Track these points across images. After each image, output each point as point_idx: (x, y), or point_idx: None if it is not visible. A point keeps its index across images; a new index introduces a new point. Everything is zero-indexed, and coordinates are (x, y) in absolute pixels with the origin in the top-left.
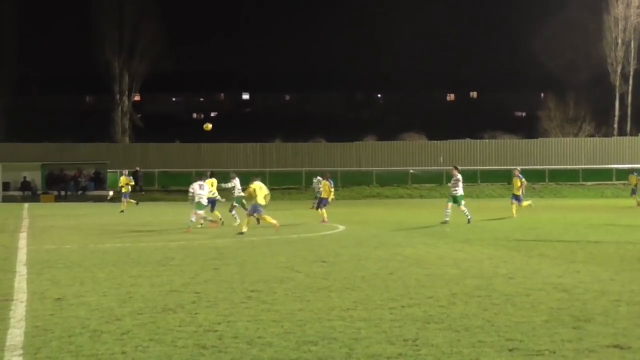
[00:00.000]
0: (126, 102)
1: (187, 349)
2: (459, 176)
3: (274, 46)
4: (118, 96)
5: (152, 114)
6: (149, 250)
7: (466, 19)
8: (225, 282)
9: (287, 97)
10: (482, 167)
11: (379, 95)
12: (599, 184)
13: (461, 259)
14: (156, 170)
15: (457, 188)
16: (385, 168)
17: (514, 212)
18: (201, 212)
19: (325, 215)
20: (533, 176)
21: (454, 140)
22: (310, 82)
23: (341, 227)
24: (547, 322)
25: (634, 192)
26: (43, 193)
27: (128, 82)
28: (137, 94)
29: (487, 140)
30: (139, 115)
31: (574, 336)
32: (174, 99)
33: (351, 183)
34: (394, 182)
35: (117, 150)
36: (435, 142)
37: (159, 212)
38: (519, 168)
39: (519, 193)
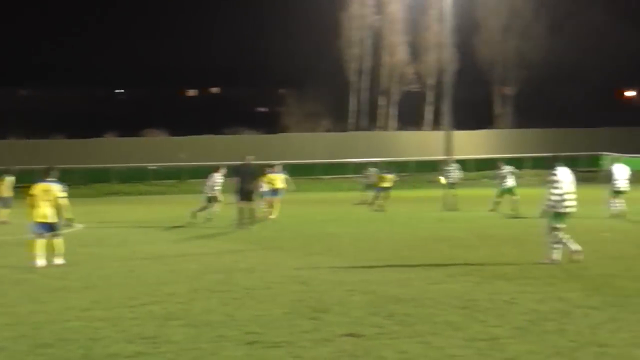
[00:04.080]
0: None
1: None
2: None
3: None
4: None
5: None
6: None
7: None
8: None
9: (23, 92)
10: (224, 163)
11: (122, 91)
12: (336, 178)
13: (202, 254)
14: None
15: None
16: (126, 164)
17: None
18: None
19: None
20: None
21: (195, 136)
22: (46, 76)
23: (79, 225)
24: (287, 314)
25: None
26: None
27: None
28: None
29: (228, 136)
30: None
31: (311, 327)
32: None
33: (90, 180)
34: (134, 179)
35: None
36: (176, 137)
37: None
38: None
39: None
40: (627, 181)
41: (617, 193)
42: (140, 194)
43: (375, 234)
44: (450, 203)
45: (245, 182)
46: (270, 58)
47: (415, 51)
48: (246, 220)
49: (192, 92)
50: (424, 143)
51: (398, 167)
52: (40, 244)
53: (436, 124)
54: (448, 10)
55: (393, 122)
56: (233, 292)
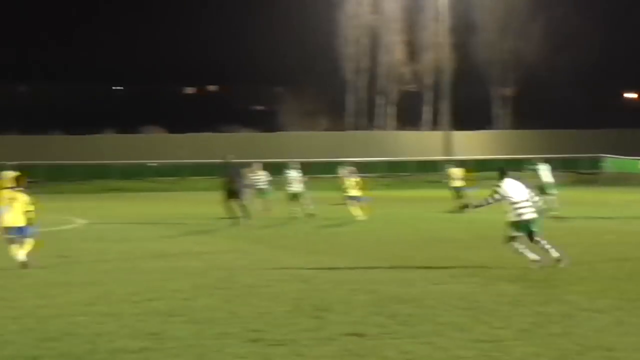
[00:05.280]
0: None
1: None
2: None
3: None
4: None
5: None
6: None
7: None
8: None
9: (21, 89)
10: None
11: (120, 88)
12: (334, 177)
13: (204, 251)
14: None
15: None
16: (126, 161)
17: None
18: None
19: None
20: (274, 169)
21: (195, 134)
22: (43, 72)
23: (82, 221)
24: (289, 312)
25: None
26: None
27: None
28: None
29: (227, 134)
30: None
31: (314, 325)
32: None
33: (91, 177)
34: (134, 176)
35: None
36: (175, 135)
37: None
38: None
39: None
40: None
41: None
42: (140, 190)
43: (376, 234)
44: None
45: (232, 180)
46: (267, 57)
47: (413, 51)
48: (240, 216)
49: (190, 90)
50: (422, 143)
51: (398, 167)
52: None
53: (435, 124)
54: (444, 10)
55: (391, 121)
56: (235, 290)
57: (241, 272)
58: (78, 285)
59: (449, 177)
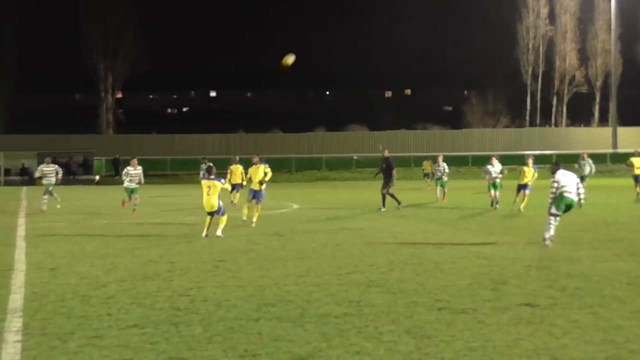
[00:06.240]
0: (110, 99)
1: (164, 310)
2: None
3: (236, 49)
4: (103, 94)
5: (132, 109)
6: (130, 227)
7: (400, 27)
8: (196, 253)
9: (249, 94)
10: (415, 154)
11: (327, 93)
12: (513, 168)
13: (397, 232)
14: (135, 158)
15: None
16: (333, 155)
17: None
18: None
19: (236, 198)
20: (459, 161)
21: (392, 131)
22: (268, 81)
23: (295, 206)
24: (470, 285)
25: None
26: (38, 178)
27: (112, 81)
28: (120, 92)
29: (419, 131)
30: (121, 111)
31: (492, 296)
32: (151, 96)
33: (304, 168)
34: (340, 167)
35: (102, 141)
36: (375, 132)
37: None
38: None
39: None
40: None
41: None
42: (346, 179)
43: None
44: None
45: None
46: (456, 64)
47: (585, 57)
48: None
49: (388, 94)
50: (591, 138)
51: (569, 159)
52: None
53: (603, 121)
54: (614, 21)
55: (564, 119)
56: (424, 265)
57: (429, 250)
58: (291, 259)
59: (631, 166)
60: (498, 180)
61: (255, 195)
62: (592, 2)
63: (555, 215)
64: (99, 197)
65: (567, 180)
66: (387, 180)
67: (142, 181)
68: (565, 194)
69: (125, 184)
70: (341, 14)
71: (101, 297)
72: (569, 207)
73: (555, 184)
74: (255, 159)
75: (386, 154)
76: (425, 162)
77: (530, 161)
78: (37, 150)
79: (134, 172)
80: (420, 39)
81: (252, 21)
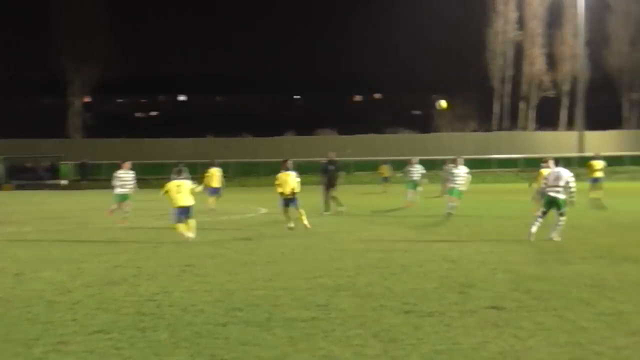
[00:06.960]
0: (78, 103)
1: (130, 316)
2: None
3: (205, 53)
4: (71, 98)
5: (100, 113)
6: (98, 232)
7: (370, 32)
8: (163, 258)
9: (218, 98)
10: (383, 158)
11: (297, 97)
12: (481, 172)
13: (366, 236)
14: (103, 162)
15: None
16: (303, 159)
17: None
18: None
19: (213, 204)
20: (428, 165)
21: (361, 135)
22: (237, 85)
23: (264, 210)
24: (437, 288)
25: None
26: (4, 183)
27: (80, 86)
28: (89, 96)
29: (388, 135)
30: (90, 115)
31: (459, 299)
32: (119, 100)
33: (273, 172)
34: (310, 171)
35: (70, 145)
36: (345, 136)
37: (105, 199)
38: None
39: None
40: None
41: None
42: (316, 183)
43: (514, 221)
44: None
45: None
46: (426, 68)
47: (553, 61)
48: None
49: (358, 98)
50: (559, 142)
51: (536, 163)
52: (183, 225)
53: (570, 125)
54: (581, 26)
55: (532, 123)
56: (392, 269)
57: (397, 254)
58: (260, 264)
59: (590, 168)
60: (456, 186)
61: (289, 203)
62: (560, 8)
63: (541, 212)
64: (66, 202)
65: (554, 180)
66: (334, 183)
67: (135, 186)
68: (549, 192)
69: (117, 190)
70: (310, 18)
71: (67, 302)
72: (551, 204)
73: (544, 182)
74: (288, 162)
75: (334, 156)
76: (382, 166)
77: (550, 162)
78: (3, 155)
79: (126, 176)
80: (390, 43)
81: (220, 26)
